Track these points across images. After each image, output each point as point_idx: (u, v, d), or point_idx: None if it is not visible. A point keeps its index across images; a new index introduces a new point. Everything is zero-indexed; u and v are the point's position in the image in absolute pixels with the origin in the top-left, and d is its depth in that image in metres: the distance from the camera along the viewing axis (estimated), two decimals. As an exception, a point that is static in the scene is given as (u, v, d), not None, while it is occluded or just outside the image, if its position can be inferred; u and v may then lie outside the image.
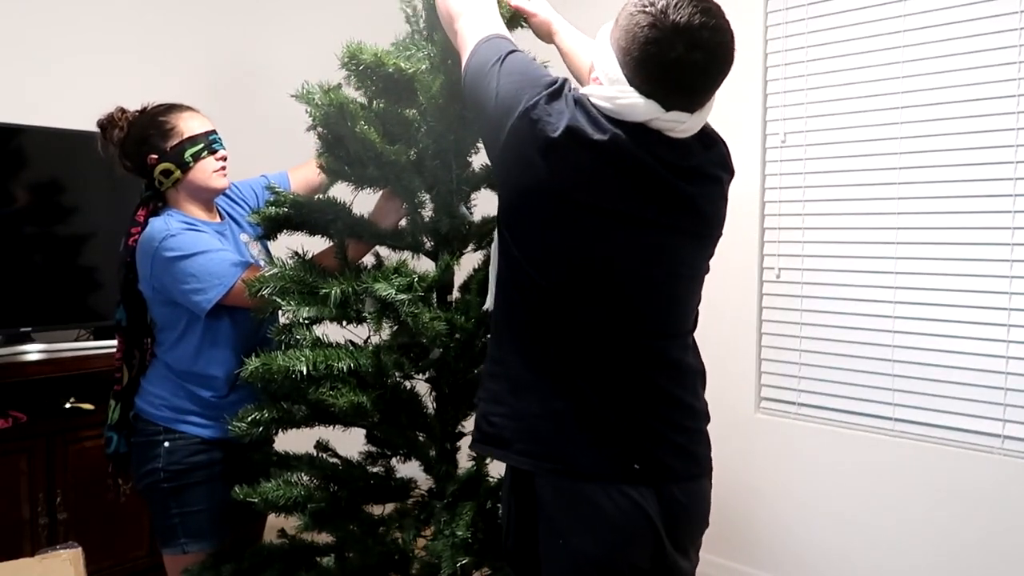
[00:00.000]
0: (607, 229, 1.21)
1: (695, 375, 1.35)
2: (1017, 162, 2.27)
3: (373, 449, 1.83)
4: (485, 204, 1.84)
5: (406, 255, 1.76)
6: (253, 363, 1.60)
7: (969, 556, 2.35)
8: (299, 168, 2.07)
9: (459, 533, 1.58)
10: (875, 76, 2.52)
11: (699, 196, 1.25)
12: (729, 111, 2.82)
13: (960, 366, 2.37)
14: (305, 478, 1.74)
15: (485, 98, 1.25)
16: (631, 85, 1.18)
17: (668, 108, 1.18)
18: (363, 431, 1.82)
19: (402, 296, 1.55)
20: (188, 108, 1.87)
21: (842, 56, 2.59)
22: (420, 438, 1.78)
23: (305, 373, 1.57)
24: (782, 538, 2.75)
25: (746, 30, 2.76)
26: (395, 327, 1.63)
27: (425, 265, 1.70)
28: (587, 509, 1.23)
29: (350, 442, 1.87)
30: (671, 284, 1.29)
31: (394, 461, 1.84)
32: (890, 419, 2.52)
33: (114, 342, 2.70)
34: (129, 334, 1.90)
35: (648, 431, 1.26)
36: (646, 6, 1.16)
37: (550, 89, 1.22)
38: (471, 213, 1.77)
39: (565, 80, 1.26)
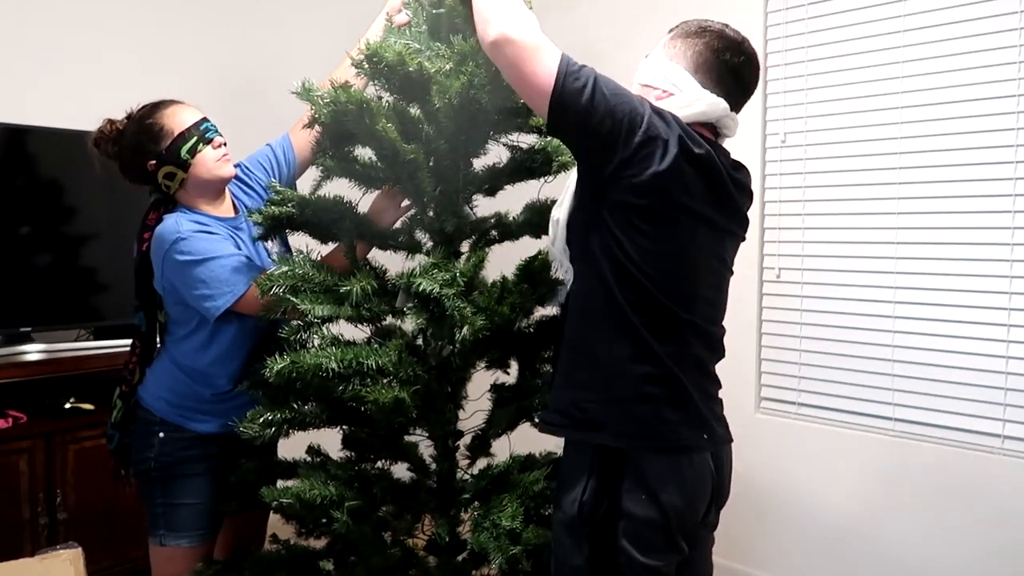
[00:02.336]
0: (697, 229, 1.44)
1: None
2: (1017, 162, 2.28)
3: (351, 454, 1.82)
4: (484, 205, 1.84)
5: (403, 254, 1.77)
6: (281, 362, 1.56)
7: (969, 556, 2.35)
8: (297, 124, 1.98)
9: (505, 524, 1.59)
10: (875, 76, 2.52)
11: (744, 206, 1.54)
12: (729, 111, 2.82)
13: (960, 366, 2.38)
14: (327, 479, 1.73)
15: (595, 111, 1.35)
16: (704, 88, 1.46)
17: (730, 107, 1.48)
18: (339, 437, 1.82)
19: (447, 291, 1.55)
20: (173, 102, 1.81)
21: (842, 56, 2.59)
22: (420, 436, 1.78)
23: (336, 371, 1.55)
24: (782, 538, 2.75)
25: (746, 30, 2.73)
26: (427, 321, 1.62)
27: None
28: (677, 474, 1.42)
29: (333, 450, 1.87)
30: (724, 279, 1.55)
31: (380, 464, 1.83)
32: (890, 419, 2.52)
33: (114, 342, 2.73)
34: (147, 339, 1.90)
35: (708, 405, 1.49)
36: (707, 28, 1.48)
37: (650, 107, 1.41)
38: (474, 213, 1.78)
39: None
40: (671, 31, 1.53)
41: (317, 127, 1.71)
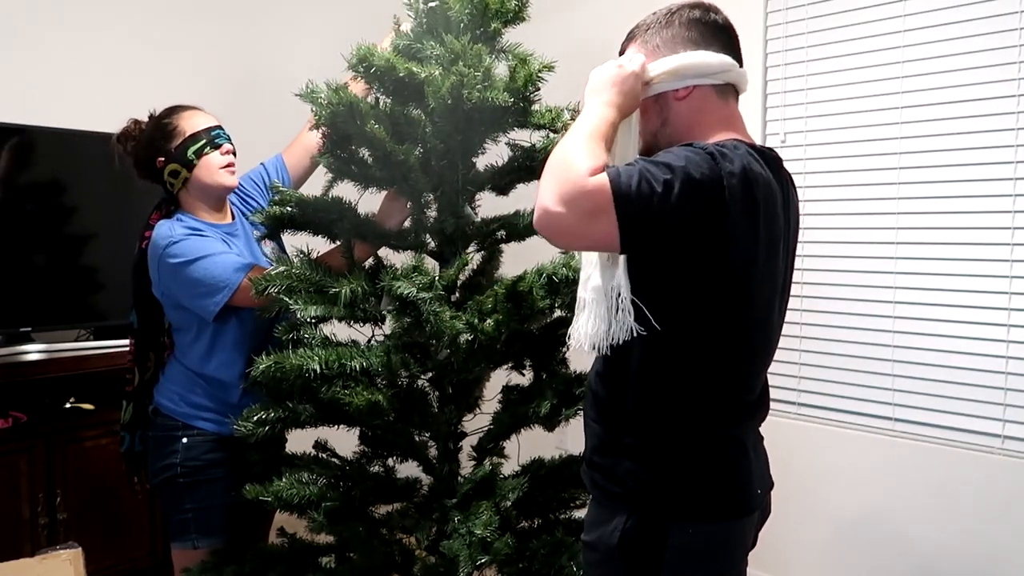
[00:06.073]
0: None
1: None
2: (1017, 162, 2.28)
3: (367, 449, 1.82)
4: (487, 205, 1.84)
5: (409, 254, 1.76)
6: (265, 362, 1.59)
7: (969, 556, 2.35)
8: (291, 146, 2.06)
9: (477, 532, 1.58)
10: (875, 76, 2.52)
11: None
12: (729, 111, 2.82)
13: (960, 366, 2.38)
14: (312, 477, 1.73)
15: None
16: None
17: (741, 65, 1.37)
18: (356, 433, 1.82)
19: (423, 294, 1.55)
20: (191, 107, 1.88)
21: (842, 56, 2.59)
22: (423, 437, 1.78)
23: (318, 372, 1.56)
24: (782, 538, 2.75)
25: (746, 30, 2.73)
26: (408, 325, 1.62)
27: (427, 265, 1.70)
28: (724, 542, 1.30)
29: (347, 444, 1.86)
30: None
31: (391, 461, 1.83)
32: (890, 419, 2.52)
33: (114, 342, 2.73)
34: (141, 337, 1.91)
35: (763, 452, 1.40)
36: (673, 8, 1.34)
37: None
38: (476, 213, 1.77)
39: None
40: (631, 40, 1.36)
41: (322, 129, 1.72)
